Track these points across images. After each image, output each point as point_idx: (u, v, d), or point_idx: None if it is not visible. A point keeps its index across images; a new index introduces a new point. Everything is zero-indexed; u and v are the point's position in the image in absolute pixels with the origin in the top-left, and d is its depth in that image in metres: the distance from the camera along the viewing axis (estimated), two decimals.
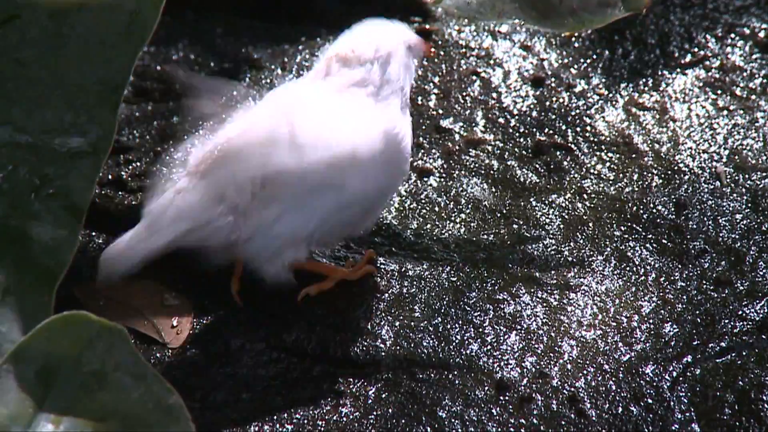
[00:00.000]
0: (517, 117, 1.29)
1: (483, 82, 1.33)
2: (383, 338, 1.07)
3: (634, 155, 1.25)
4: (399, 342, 1.06)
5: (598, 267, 1.14)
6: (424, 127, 1.27)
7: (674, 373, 1.03)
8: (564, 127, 1.28)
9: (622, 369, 1.04)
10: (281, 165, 0.98)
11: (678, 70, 1.35)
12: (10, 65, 1.02)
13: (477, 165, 1.24)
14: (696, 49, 1.37)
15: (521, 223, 1.18)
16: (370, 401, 1.02)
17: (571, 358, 1.05)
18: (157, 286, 1.13)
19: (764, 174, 1.22)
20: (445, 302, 1.10)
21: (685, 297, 1.10)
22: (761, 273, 1.12)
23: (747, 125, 1.28)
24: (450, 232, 1.17)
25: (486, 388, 1.02)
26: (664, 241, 1.16)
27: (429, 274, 1.13)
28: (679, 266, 1.13)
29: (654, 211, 1.19)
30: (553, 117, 1.29)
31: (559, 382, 1.03)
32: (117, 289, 1.12)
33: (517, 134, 1.27)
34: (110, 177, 1.23)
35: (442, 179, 1.22)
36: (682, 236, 1.16)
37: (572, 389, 1.02)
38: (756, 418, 1.00)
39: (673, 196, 1.20)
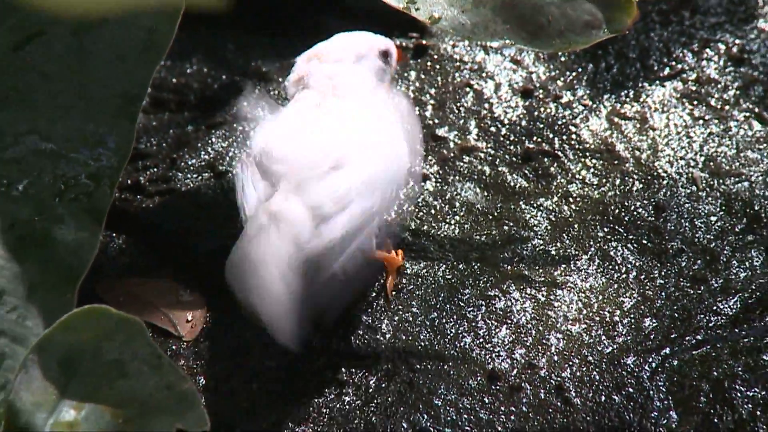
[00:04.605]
0: (507, 126, 1.29)
1: (476, 93, 1.33)
2: (383, 332, 1.08)
3: (616, 161, 1.25)
4: (397, 335, 1.07)
5: (583, 265, 1.14)
6: (421, 136, 1.17)
7: (653, 364, 1.05)
8: (551, 136, 1.28)
9: (605, 360, 1.05)
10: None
11: (657, 82, 1.34)
12: (35, 78, 1.04)
13: (470, 171, 1.25)
14: (674, 63, 1.36)
15: (511, 224, 1.18)
16: (370, 390, 1.04)
17: (557, 350, 1.06)
18: (173, 284, 1.14)
19: (737, 179, 1.22)
20: (440, 298, 1.11)
21: (663, 293, 1.11)
22: (734, 271, 1.13)
23: (721, 134, 1.28)
24: (445, 233, 1.17)
25: (478, 378, 1.04)
26: (644, 241, 1.17)
27: (426, 272, 1.13)
28: (658, 265, 1.14)
29: (635, 213, 1.19)
30: (541, 126, 1.29)
31: (546, 373, 1.04)
32: (136, 287, 1.14)
33: (508, 142, 1.28)
34: (129, 182, 1.24)
35: (438, 184, 1.23)
36: (660, 237, 1.17)
37: (559, 379, 1.03)
38: (729, 406, 1.01)
39: (652, 200, 1.20)
